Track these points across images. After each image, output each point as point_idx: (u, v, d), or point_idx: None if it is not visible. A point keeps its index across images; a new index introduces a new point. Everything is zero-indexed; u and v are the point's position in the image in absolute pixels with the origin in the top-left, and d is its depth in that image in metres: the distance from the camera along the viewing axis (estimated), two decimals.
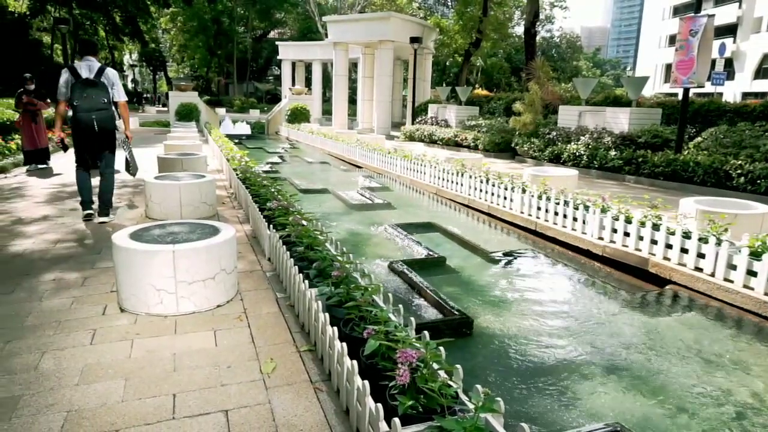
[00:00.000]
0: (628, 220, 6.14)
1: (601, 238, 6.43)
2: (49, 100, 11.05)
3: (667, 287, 5.48)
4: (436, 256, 6.17)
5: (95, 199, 6.81)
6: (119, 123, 6.28)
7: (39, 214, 6.94)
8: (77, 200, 7.72)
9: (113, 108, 6.11)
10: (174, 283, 3.84)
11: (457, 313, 4.51)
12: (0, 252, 5.27)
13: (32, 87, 10.51)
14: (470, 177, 9.19)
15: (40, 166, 10.79)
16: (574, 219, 6.87)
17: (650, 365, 4.01)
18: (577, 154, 13.34)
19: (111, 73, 6.06)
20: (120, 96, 6.15)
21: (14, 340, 3.53)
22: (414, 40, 23.88)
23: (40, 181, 9.53)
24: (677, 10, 54.75)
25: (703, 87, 11.16)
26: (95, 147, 6.13)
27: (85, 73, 5.94)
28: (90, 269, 4.84)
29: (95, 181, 6.62)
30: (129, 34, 44.87)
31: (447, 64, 50.17)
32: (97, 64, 6.03)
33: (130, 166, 7.04)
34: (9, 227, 6.22)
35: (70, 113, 5.95)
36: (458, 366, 2.68)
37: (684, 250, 5.50)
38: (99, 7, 39.52)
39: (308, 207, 8.56)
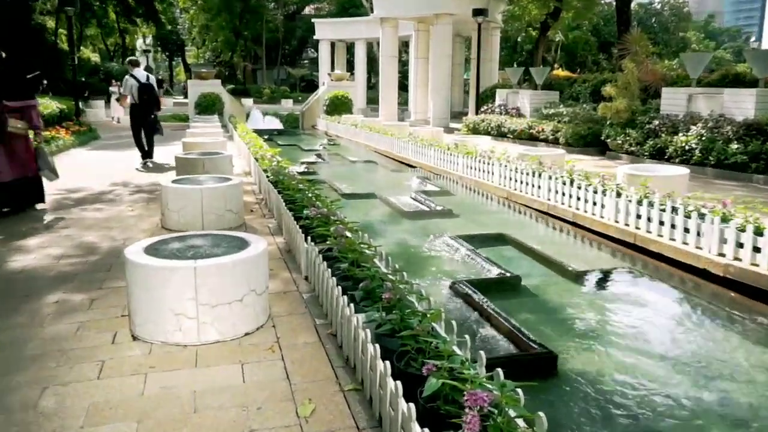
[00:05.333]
0: (759, 232, 5.83)
1: (722, 255, 6.14)
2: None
3: None
4: (508, 275, 6.07)
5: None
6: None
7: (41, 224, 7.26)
8: (83, 208, 8.11)
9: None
10: (195, 306, 3.90)
11: (536, 346, 4.39)
12: None
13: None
14: (550, 178, 9.03)
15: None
16: (686, 230, 6.61)
17: None
18: (687, 148, 12.88)
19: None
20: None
21: (12, 373, 3.66)
22: (478, 12, 23.79)
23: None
24: None
25: None
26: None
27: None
28: (98, 289, 4.99)
29: None
30: (142, 15, 46.67)
31: (518, 40, 49.73)
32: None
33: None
34: (6, 241, 6.52)
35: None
36: (541, 414, 2.59)
37: None
38: None
39: (352, 215, 8.60)
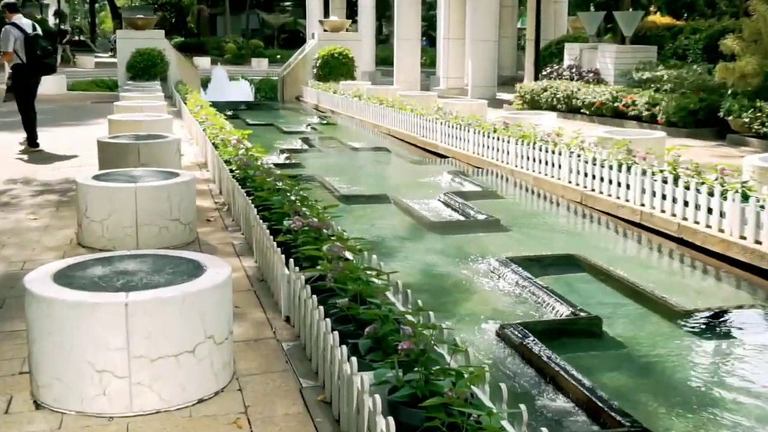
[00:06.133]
0: None
1: None
2: None
3: None
4: (583, 315, 6.03)
5: None
6: None
7: None
8: None
9: None
10: (126, 359, 3.90)
11: (627, 424, 4.36)
12: None
13: None
14: (644, 174, 9.00)
15: None
16: None
17: None
18: None
19: None
20: None
21: None
22: None
23: None
24: None
25: None
26: None
27: None
28: None
29: None
30: None
31: None
32: None
33: None
34: None
35: None
36: None
37: None
38: None
39: (355, 227, 8.57)
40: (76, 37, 59.51)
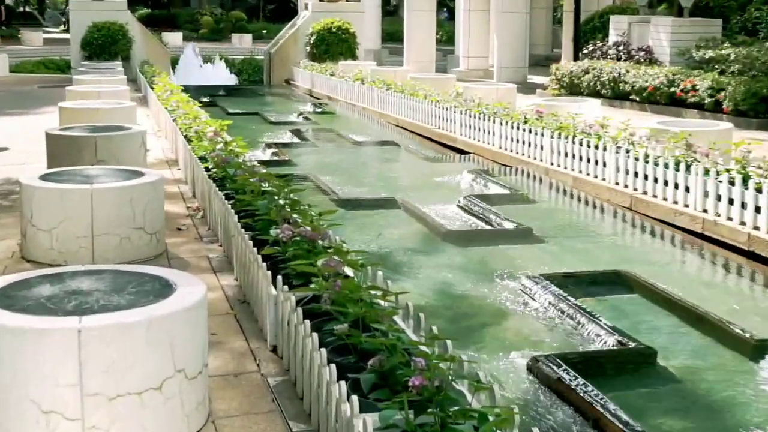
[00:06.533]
0: None
1: None
2: None
3: None
4: (632, 345, 6.01)
5: None
6: None
7: None
8: None
9: None
10: (79, 397, 3.87)
11: None
12: None
13: None
14: (706, 173, 8.98)
15: None
16: None
17: None
18: None
19: None
20: None
21: None
22: None
23: None
24: None
25: None
26: None
27: None
28: None
29: None
30: None
31: None
32: None
33: None
34: None
35: None
36: None
37: None
38: None
39: (357, 237, 8.56)
40: (21, 9, 59.80)
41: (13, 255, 7.23)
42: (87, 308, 4.10)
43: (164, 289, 4.35)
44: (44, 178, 7.26)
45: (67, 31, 34.73)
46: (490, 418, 3.41)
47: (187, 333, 4.14)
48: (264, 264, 5.46)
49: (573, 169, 11.39)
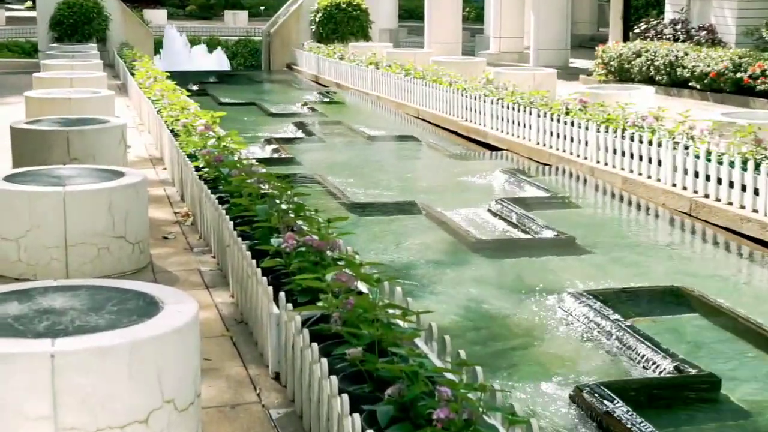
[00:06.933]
0: None
1: None
2: None
3: None
4: (692, 372, 5.99)
5: None
6: None
7: None
8: None
9: None
10: (53, 431, 3.90)
11: None
12: None
13: None
14: None
15: None
16: None
17: None
18: None
19: None
20: None
21: None
22: None
23: None
24: None
25: None
26: None
27: None
28: None
29: None
30: None
31: None
32: None
33: None
34: None
35: None
36: None
37: None
38: None
39: (372, 247, 8.58)
40: None
41: None
42: (61, 330, 4.10)
43: (149, 307, 4.36)
44: (9, 179, 7.29)
45: (33, 8, 34.85)
46: None
47: (177, 358, 4.15)
48: (264, 278, 5.48)
49: (623, 169, 11.39)
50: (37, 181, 7.24)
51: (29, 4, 49.32)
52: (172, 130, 10.58)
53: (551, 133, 12.97)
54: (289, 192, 7.09)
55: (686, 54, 19.27)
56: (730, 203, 9.57)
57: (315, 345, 4.52)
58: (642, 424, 5.25)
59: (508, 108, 14.21)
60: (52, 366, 3.91)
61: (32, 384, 3.92)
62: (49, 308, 4.41)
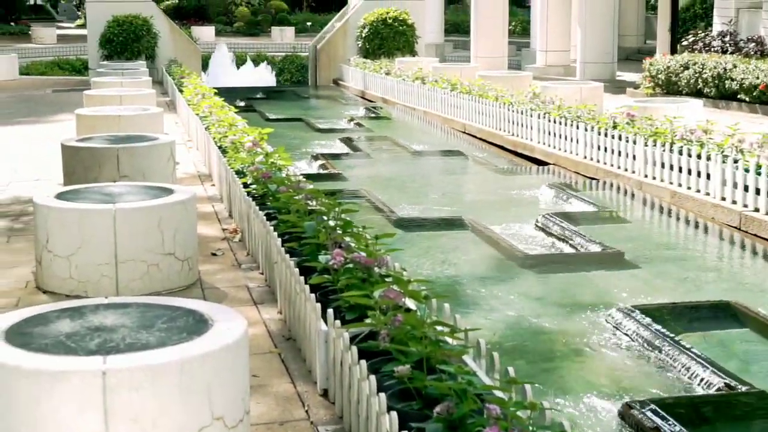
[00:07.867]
0: None
1: None
2: None
3: None
4: (743, 390, 5.91)
5: None
6: None
7: None
8: None
9: None
10: None
11: None
12: None
13: None
14: None
15: None
16: None
17: None
18: None
19: None
20: None
21: None
22: None
23: None
24: None
25: None
26: None
27: None
28: None
29: None
30: None
31: None
32: None
33: None
34: None
35: None
36: None
37: None
38: None
39: (419, 263, 8.57)
40: (31, 1, 60.64)
41: (27, 285, 7.32)
42: (112, 347, 4.11)
43: (199, 324, 4.37)
44: (60, 196, 7.35)
45: (83, 26, 35.10)
46: None
47: (226, 375, 4.16)
48: (312, 295, 5.49)
49: (671, 183, 11.32)
50: (88, 199, 7.29)
51: (80, 22, 49.73)
52: (220, 147, 10.63)
53: (598, 147, 12.92)
54: (336, 209, 7.07)
55: (735, 66, 19.14)
56: None
57: (363, 362, 4.52)
58: None
59: (554, 122, 14.18)
60: (103, 384, 3.92)
61: (84, 401, 3.94)
62: (100, 326, 4.43)
